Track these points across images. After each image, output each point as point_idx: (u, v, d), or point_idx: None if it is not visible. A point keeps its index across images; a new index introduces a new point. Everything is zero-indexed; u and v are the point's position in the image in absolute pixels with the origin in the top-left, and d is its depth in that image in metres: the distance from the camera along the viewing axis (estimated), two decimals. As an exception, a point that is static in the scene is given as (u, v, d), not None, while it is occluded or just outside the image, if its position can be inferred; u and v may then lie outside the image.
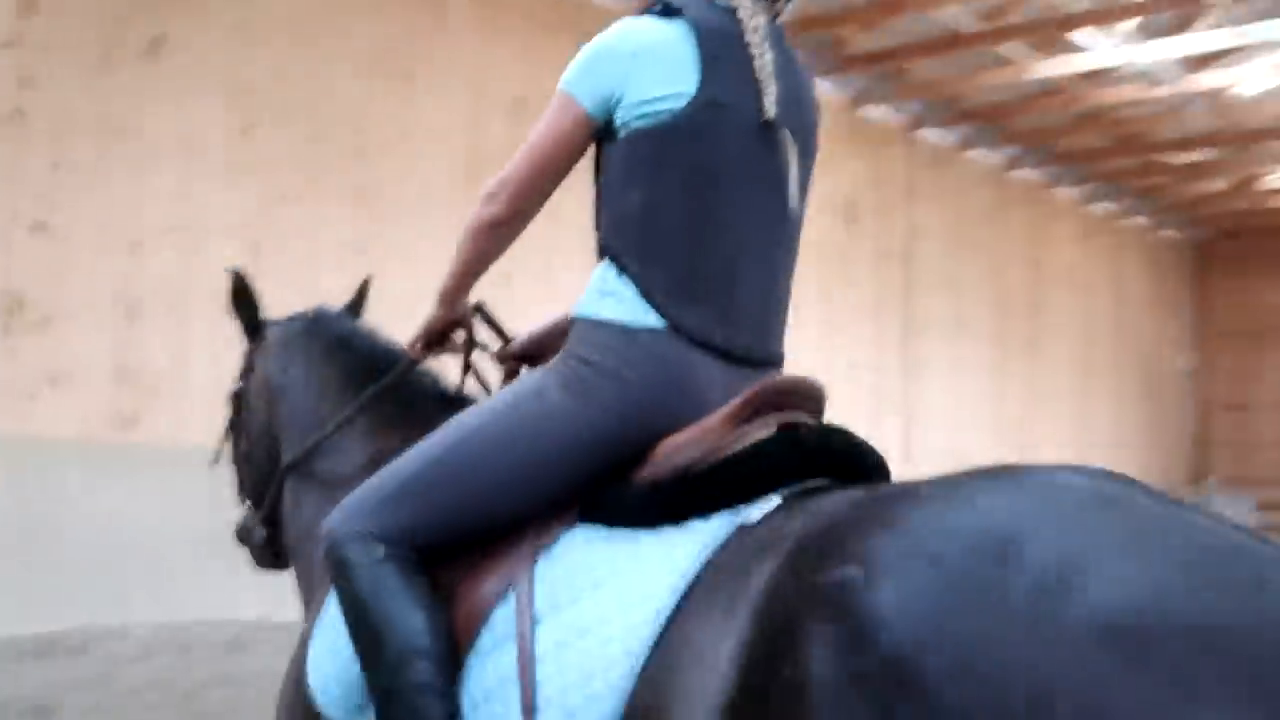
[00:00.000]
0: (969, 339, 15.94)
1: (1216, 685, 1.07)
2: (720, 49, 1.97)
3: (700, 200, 1.95)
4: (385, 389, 2.55)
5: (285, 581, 8.48)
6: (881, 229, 14.73)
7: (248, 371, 3.02)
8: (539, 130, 2.04)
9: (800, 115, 2.10)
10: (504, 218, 2.09)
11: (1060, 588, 1.18)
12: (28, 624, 7.82)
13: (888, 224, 14.82)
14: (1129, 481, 1.38)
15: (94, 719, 6.13)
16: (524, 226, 2.13)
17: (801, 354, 11.32)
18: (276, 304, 9.57)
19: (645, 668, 1.63)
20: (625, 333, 1.93)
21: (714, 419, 1.86)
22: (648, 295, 1.94)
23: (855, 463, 1.88)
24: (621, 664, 1.65)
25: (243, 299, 3.09)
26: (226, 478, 3.42)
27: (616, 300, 1.97)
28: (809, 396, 1.96)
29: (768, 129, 2.00)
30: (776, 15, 2.11)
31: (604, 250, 2.03)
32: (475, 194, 2.23)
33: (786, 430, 1.84)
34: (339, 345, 2.76)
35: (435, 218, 10.99)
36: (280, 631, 8.91)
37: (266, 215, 9.85)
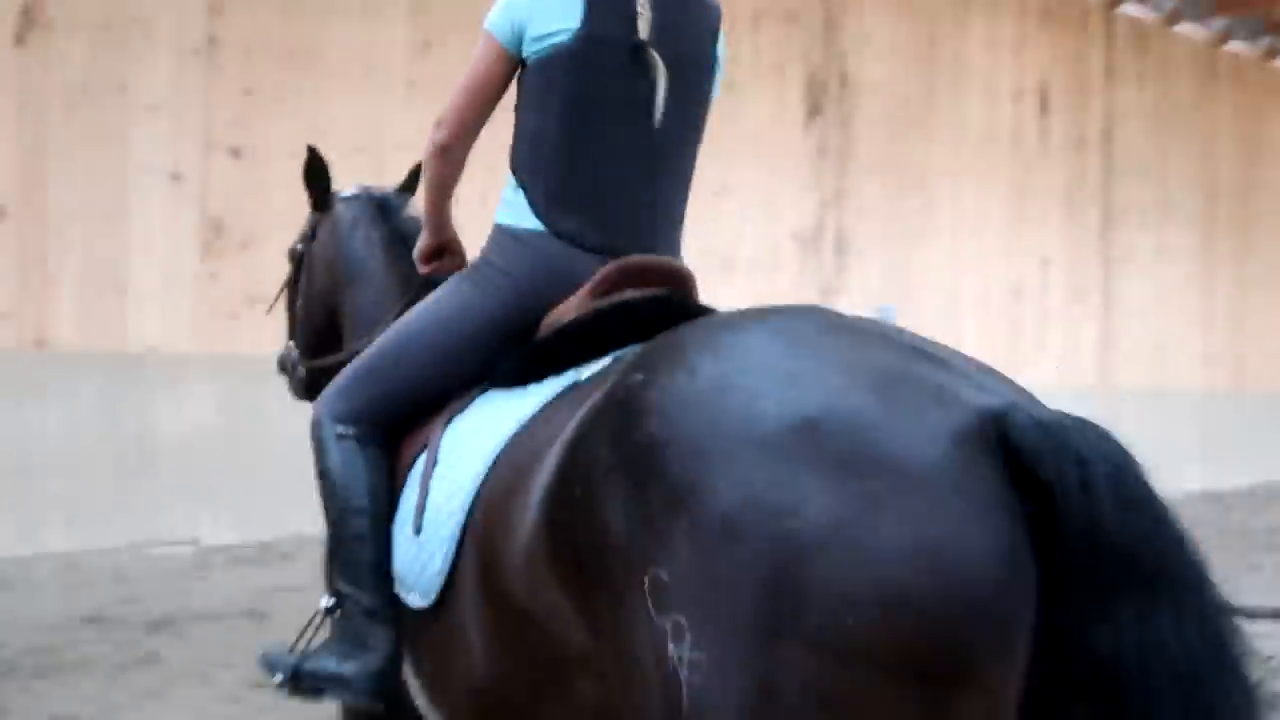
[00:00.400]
0: (1174, 226, 15.11)
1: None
2: None
3: (575, 124, 2.26)
4: (426, 285, 2.79)
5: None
6: (1077, 114, 14.01)
7: (311, 237, 3.30)
8: (470, 66, 2.37)
9: (680, 41, 2.30)
10: (446, 142, 2.43)
11: (759, 400, 1.51)
12: (243, 533, 8.30)
13: (1084, 108, 14.07)
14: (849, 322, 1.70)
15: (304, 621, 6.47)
16: (467, 148, 2.47)
17: (990, 243, 10.94)
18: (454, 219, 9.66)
19: (484, 483, 2.04)
20: (515, 236, 2.32)
21: (575, 296, 2.24)
22: (532, 205, 2.31)
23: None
24: (467, 485, 2.08)
25: (316, 171, 3.29)
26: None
27: (512, 209, 2.35)
28: (664, 274, 2.26)
29: (640, 54, 2.23)
30: None
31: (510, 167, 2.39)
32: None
33: (625, 299, 2.19)
34: (401, 240, 2.98)
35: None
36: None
37: (448, 130, 9.99)
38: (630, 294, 2.20)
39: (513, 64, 2.35)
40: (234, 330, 8.81)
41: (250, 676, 5.40)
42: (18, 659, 5.49)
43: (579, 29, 2.23)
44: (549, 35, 2.25)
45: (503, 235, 2.35)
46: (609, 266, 2.23)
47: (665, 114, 2.28)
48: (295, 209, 8.88)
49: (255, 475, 8.51)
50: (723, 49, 2.44)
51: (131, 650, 5.74)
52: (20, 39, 7.98)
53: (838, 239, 12.42)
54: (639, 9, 2.24)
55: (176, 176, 8.62)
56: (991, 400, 1.50)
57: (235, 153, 8.89)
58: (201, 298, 8.70)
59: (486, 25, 2.32)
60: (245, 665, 5.59)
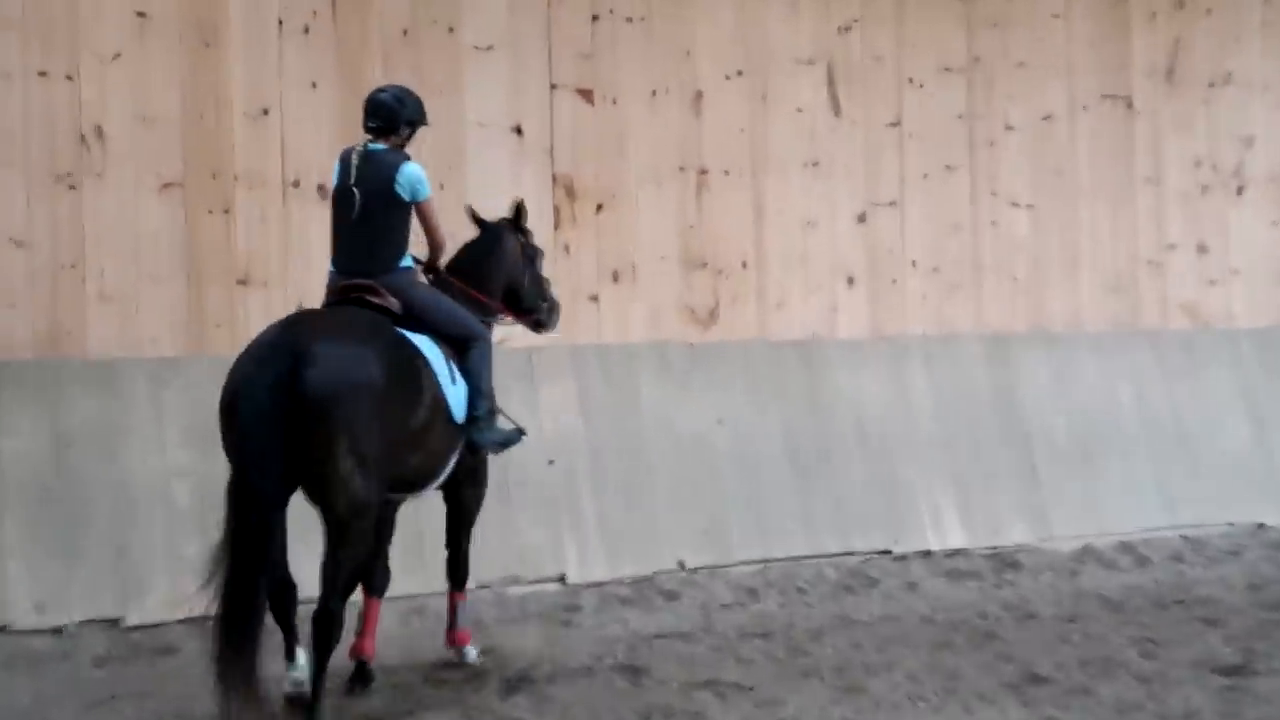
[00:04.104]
0: None
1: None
2: (344, 165, 6.41)
3: (336, 221, 6.42)
4: None
5: (902, 520, 8.06)
6: None
7: (512, 239, 7.26)
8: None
9: (371, 184, 6.30)
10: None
11: (262, 349, 5.70)
12: (614, 567, 8.44)
13: None
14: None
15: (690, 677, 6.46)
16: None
17: None
18: (864, 120, 9.35)
19: None
20: (330, 269, 6.48)
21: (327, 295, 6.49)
22: (332, 256, 6.46)
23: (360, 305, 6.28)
24: None
25: (521, 217, 7.31)
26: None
27: (331, 261, 6.52)
28: (361, 288, 6.24)
29: (350, 190, 6.32)
30: (402, 143, 6.49)
31: None
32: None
33: (337, 300, 6.36)
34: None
35: (1044, 29, 10.40)
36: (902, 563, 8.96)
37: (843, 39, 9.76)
38: (339, 295, 6.32)
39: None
40: (591, 314, 8.97)
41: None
42: None
43: (336, 183, 6.38)
44: (334, 184, 6.41)
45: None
46: (336, 283, 6.34)
47: (358, 213, 6.28)
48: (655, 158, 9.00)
49: (627, 495, 8.62)
50: (405, 180, 6.29)
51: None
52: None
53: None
54: (352, 172, 6.31)
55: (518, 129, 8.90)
56: (284, 339, 5.64)
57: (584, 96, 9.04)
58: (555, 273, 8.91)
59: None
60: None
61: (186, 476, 7.55)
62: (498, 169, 8.77)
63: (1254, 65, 11.10)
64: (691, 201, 9.36)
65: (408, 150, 6.45)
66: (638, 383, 9.00)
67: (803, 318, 9.68)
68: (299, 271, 8.27)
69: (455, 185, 8.56)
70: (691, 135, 9.36)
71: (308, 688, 5.65)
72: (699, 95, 9.38)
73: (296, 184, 8.27)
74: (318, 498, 5.58)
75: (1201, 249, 10.92)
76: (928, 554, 9.27)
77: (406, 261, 6.39)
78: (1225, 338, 10.93)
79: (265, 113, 8.30)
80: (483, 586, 7.81)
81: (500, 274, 7.03)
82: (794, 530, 9.07)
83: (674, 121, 9.31)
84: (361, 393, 5.50)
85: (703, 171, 9.38)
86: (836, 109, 9.76)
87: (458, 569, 6.80)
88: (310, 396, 5.38)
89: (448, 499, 6.77)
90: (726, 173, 9.45)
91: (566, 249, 8.96)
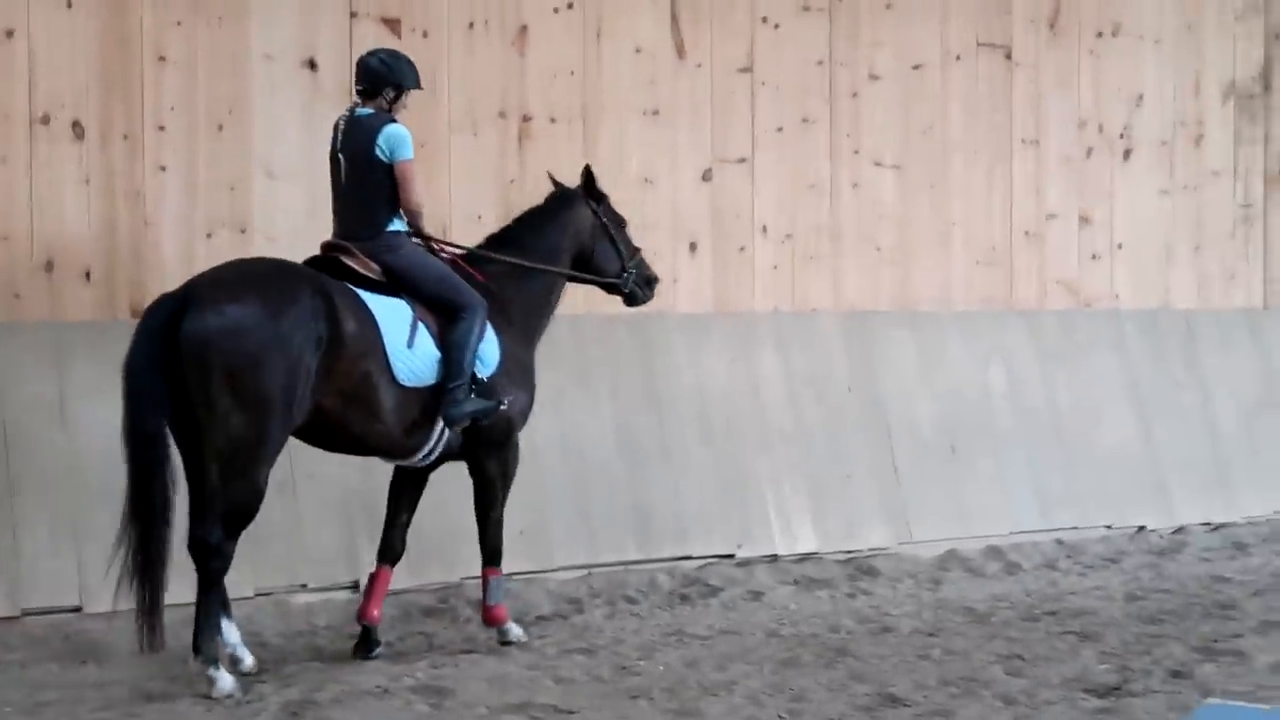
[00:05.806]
0: None
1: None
2: (334, 132, 7.53)
3: (331, 187, 7.56)
4: None
5: (747, 521, 8.19)
6: None
7: (581, 207, 8.19)
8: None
9: (354, 147, 7.37)
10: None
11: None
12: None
13: None
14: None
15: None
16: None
17: None
18: (711, 64, 9.37)
19: None
20: None
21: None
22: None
23: (338, 267, 7.36)
24: None
25: (592, 183, 8.20)
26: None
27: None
28: (341, 249, 7.34)
29: (337, 155, 7.44)
30: (387, 106, 7.47)
31: None
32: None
33: (323, 255, 7.50)
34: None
35: None
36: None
37: None
38: (319, 254, 7.41)
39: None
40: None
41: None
42: None
43: (330, 148, 7.50)
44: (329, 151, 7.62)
45: None
46: (323, 242, 7.45)
47: (345, 178, 7.40)
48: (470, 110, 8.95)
49: (430, 491, 8.61)
50: (385, 141, 7.25)
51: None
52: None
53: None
54: (339, 136, 7.43)
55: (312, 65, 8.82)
56: (188, 283, 6.96)
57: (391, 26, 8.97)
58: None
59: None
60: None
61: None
62: (288, 110, 8.69)
63: (1145, 15, 11.44)
64: (513, 153, 9.36)
65: (397, 115, 7.38)
66: (447, 360, 8.94)
67: (638, 289, 9.70)
68: (48, 223, 8.13)
69: (238, 127, 8.53)
70: (514, 76, 9.36)
71: None
72: (523, 30, 9.37)
73: (46, 120, 8.09)
74: (203, 430, 6.64)
75: (1084, 220, 11.23)
76: (775, 559, 9.43)
77: (396, 225, 7.37)
78: (1107, 319, 11.28)
79: (9, 35, 8.10)
80: (262, 594, 7.75)
81: (564, 240, 7.96)
82: (624, 532, 9.17)
83: (494, 59, 9.31)
84: (239, 333, 6.55)
85: (526, 118, 9.40)
86: (680, 50, 9.84)
87: (485, 542, 7.63)
88: (186, 335, 6.55)
89: (470, 471, 7.65)
90: (553, 120, 9.48)
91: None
